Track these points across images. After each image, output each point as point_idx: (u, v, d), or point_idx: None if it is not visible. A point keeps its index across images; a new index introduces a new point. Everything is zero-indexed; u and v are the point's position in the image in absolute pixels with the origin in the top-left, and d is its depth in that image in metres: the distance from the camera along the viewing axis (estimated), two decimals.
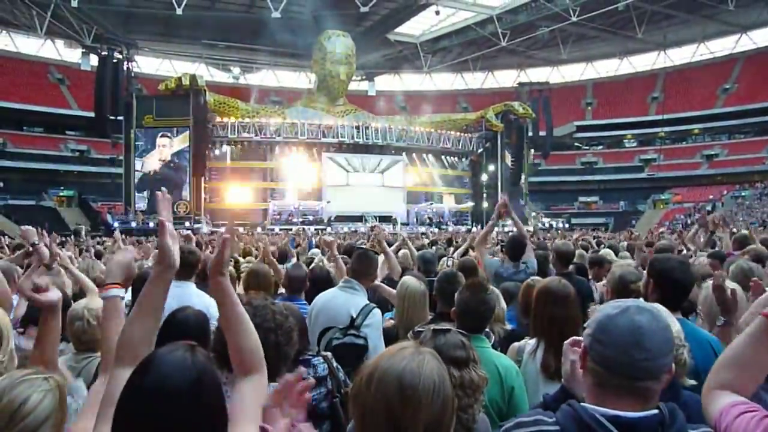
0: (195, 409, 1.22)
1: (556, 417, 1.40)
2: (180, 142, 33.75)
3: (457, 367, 2.00)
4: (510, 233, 9.63)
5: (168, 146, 33.78)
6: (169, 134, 33.70)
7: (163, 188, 2.03)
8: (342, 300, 3.61)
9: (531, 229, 15.89)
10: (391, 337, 3.39)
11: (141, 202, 33.49)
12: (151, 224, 31.08)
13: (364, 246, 5.91)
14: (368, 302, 3.59)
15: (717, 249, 6.11)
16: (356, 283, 3.73)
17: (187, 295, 3.38)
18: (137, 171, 33.76)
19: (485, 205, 39.63)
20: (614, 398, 1.34)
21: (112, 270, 2.01)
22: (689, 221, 33.84)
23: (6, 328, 2.07)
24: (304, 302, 4.22)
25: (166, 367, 1.23)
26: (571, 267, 5.26)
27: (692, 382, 2.04)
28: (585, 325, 1.48)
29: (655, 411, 1.32)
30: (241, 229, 30.61)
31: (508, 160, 41.34)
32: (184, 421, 1.21)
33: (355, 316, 3.37)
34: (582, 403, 1.37)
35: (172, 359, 1.25)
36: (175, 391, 1.21)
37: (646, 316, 1.35)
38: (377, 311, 3.51)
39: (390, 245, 6.38)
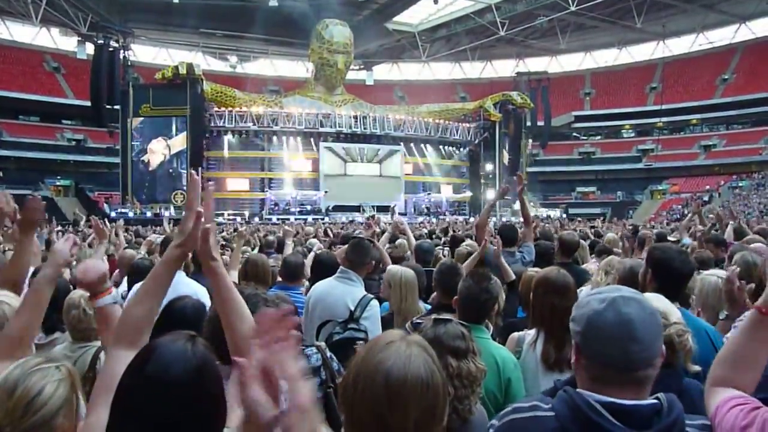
0: (196, 399, 1.23)
1: (552, 403, 1.39)
2: (179, 143, 33.87)
3: (455, 357, 2.00)
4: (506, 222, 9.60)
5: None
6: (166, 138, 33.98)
7: (193, 172, 2.00)
8: (339, 291, 3.58)
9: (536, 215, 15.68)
10: (388, 326, 3.38)
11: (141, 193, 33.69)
12: (149, 214, 31.12)
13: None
14: (365, 293, 3.58)
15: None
16: (353, 273, 3.70)
17: (175, 283, 3.36)
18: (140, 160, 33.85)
19: (483, 195, 39.65)
20: (610, 388, 1.33)
21: (96, 278, 1.94)
22: (686, 211, 33.90)
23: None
24: (300, 292, 4.20)
25: (168, 357, 1.23)
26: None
27: (697, 368, 2.04)
28: (571, 318, 1.45)
29: (654, 401, 1.32)
30: (238, 219, 30.70)
31: (506, 151, 41.38)
32: (185, 410, 1.21)
33: (353, 308, 3.35)
34: (578, 390, 1.36)
35: (174, 349, 1.25)
36: (176, 381, 1.21)
37: (633, 306, 1.34)
38: (375, 302, 3.51)
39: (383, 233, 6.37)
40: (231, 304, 1.68)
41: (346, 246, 5.12)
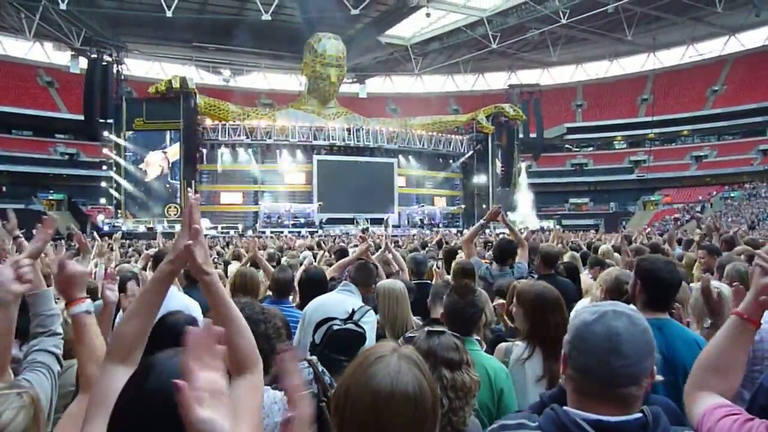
0: None
1: (539, 421, 1.37)
2: (174, 153, 33.86)
3: (449, 369, 2.00)
4: (501, 235, 9.62)
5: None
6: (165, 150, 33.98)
7: (197, 194, 1.93)
8: (339, 299, 3.66)
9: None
10: (379, 337, 3.41)
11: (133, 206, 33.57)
12: (141, 228, 30.96)
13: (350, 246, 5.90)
14: (363, 304, 3.60)
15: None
16: (354, 287, 3.79)
17: (168, 297, 3.35)
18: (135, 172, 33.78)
19: (476, 207, 39.72)
20: (596, 404, 1.31)
21: (75, 283, 1.92)
22: (679, 223, 34.08)
23: None
24: (292, 306, 4.20)
25: (168, 373, 1.22)
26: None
27: (659, 377, 2.04)
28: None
29: (639, 415, 1.30)
30: (231, 232, 30.62)
31: (499, 163, 41.52)
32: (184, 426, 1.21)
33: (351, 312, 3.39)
34: (564, 407, 1.35)
35: (174, 365, 1.24)
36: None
37: (623, 321, 1.33)
38: (372, 313, 3.53)
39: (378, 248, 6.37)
40: (228, 320, 1.63)
41: (339, 261, 5.17)
